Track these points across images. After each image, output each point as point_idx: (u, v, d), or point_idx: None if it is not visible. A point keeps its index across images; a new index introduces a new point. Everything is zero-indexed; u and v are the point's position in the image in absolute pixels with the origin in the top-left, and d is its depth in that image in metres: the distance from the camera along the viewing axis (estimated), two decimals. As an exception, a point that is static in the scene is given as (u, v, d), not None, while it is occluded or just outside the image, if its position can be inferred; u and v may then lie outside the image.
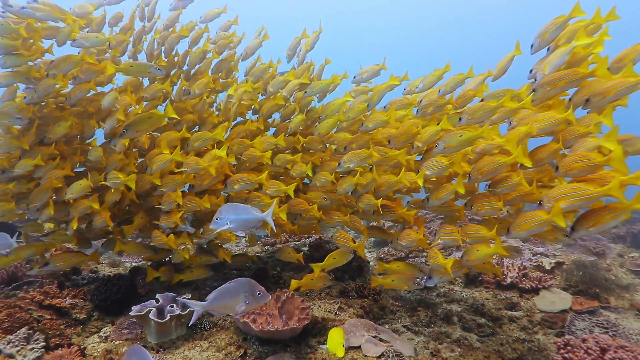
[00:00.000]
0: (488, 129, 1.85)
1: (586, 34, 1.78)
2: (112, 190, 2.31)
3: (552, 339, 2.05)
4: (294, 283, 2.12)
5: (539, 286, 2.51)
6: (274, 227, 1.77)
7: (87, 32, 2.52)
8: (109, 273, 3.34)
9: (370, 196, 2.23)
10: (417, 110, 2.23)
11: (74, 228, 2.28)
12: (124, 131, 2.10)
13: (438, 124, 2.15)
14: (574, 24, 1.84)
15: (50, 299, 2.02)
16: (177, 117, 2.21)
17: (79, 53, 2.37)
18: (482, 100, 2.12)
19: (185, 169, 2.22)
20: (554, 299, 2.36)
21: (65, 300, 2.08)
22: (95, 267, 3.40)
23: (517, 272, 2.69)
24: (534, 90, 1.81)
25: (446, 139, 1.94)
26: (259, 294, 1.47)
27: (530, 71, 1.96)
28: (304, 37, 2.72)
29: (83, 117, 2.58)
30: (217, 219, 1.69)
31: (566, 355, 1.12)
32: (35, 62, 2.37)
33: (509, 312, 2.33)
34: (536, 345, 1.99)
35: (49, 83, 2.26)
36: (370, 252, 4.60)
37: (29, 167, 2.26)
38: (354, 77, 2.59)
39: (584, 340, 1.13)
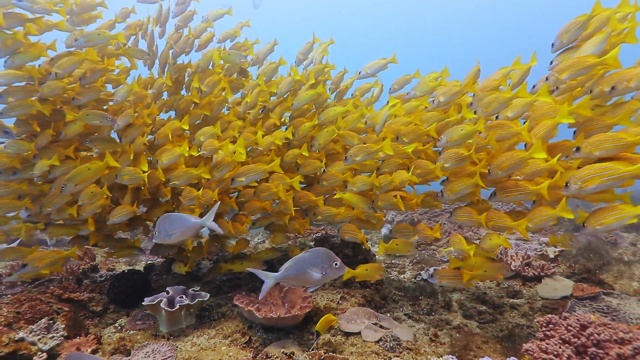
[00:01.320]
0: (483, 123, 1.90)
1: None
2: (130, 187, 2.38)
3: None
4: (348, 272, 2.07)
5: (542, 274, 2.52)
6: (218, 230, 1.72)
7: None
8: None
9: (389, 195, 2.27)
10: (433, 102, 2.24)
11: (92, 229, 2.36)
12: (63, 186, 2.11)
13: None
14: (601, 14, 1.83)
15: (68, 293, 2.15)
16: (118, 165, 2.22)
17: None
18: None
19: (203, 152, 2.24)
20: (556, 286, 2.37)
21: (83, 294, 2.21)
22: (113, 266, 3.56)
23: (521, 261, 2.71)
24: (547, 79, 1.85)
25: (448, 133, 1.99)
26: (336, 265, 1.41)
27: (551, 62, 1.96)
28: (317, 42, 2.78)
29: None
30: (155, 233, 1.69)
31: (548, 332, 1.16)
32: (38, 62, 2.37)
33: (511, 300, 2.36)
34: (535, 330, 2.02)
35: (56, 85, 2.27)
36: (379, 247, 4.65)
37: (46, 167, 2.25)
38: (359, 72, 2.62)
39: (565, 318, 1.17)
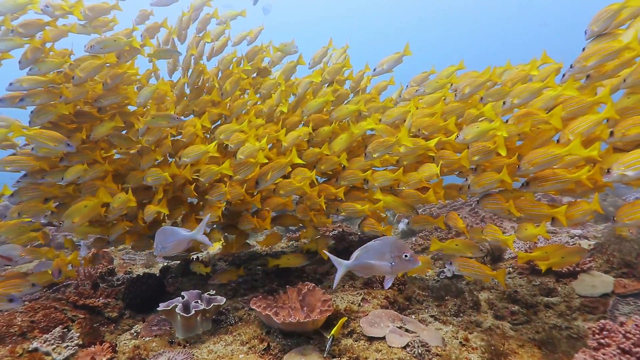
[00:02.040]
0: (502, 122, 1.90)
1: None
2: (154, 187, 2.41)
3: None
4: None
5: (577, 269, 2.35)
6: (208, 243, 1.77)
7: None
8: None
9: (415, 192, 2.23)
10: (455, 94, 2.22)
11: (128, 226, 2.39)
12: (60, 223, 2.10)
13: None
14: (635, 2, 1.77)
15: (84, 299, 2.11)
16: (111, 199, 2.21)
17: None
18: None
19: (230, 146, 2.24)
20: (594, 282, 2.20)
21: (99, 300, 2.17)
22: (130, 269, 3.54)
23: (553, 256, 2.54)
24: (571, 66, 1.83)
25: (465, 131, 1.99)
26: (406, 256, 1.31)
27: (583, 50, 1.91)
28: (331, 47, 2.76)
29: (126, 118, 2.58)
30: (154, 246, 1.79)
31: (602, 340, 1.02)
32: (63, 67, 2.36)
33: (545, 298, 2.20)
34: (575, 332, 1.87)
35: (80, 90, 2.28)
36: (398, 243, 4.52)
37: (81, 173, 2.23)
38: (374, 69, 2.56)
39: (621, 324, 1.03)
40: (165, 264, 3.59)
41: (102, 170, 2.33)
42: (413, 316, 2.04)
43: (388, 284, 1.37)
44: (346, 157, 2.35)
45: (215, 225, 2.71)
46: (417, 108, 2.36)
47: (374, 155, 2.19)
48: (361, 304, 2.06)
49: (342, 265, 1.39)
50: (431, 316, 2.06)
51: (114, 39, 2.27)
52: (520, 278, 2.53)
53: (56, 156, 2.31)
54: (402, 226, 5.29)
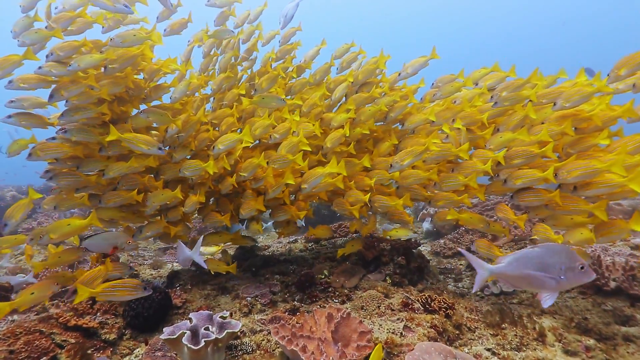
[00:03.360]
0: (526, 132, 1.95)
1: None
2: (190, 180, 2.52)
3: (695, 370, 1.55)
4: None
5: (658, 293, 1.97)
6: (203, 265, 1.92)
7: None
8: (150, 275, 3.20)
9: (449, 194, 2.21)
10: (492, 97, 2.21)
11: (164, 224, 2.43)
12: (42, 236, 2.03)
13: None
14: None
15: (77, 318, 1.81)
16: (100, 224, 2.23)
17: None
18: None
19: (276, 136, 2.31)
20: (686, 312, 1.82)
21: (95, 318, 1.87)
22: (137, 270, 3.27)
23: (623, 273, 2.16)
24: (608, 76, 1.86)
25: (491, 140, 2.07)
26: (582, 267, 1.11)
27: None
28: (362, 53, 2.72)
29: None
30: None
31: None
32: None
33: (623, 328, 1.84)
34: (674, 378, 1.50)
35: (117, 84, 2.26)
36: (423, 245, 4.17)
37: (124, 170, 2.24)
38: (399, 74, 2.56)
39: None
40: (175, 266, 3.31)
41: (144, 165, 2.31)
42: (466, 349, 1.69)
43: (548, 302, 1.09)
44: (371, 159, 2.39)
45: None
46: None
47: (402, 164, 2.16)
48: (404, 333, 1.72)
49: (485, 270, 1.23)
50: (487, 349, 1.70)
51: (134, 34, 2.23)
52: (583, 299, 2.17)
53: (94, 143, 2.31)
54: (426, 225, 4.92)
